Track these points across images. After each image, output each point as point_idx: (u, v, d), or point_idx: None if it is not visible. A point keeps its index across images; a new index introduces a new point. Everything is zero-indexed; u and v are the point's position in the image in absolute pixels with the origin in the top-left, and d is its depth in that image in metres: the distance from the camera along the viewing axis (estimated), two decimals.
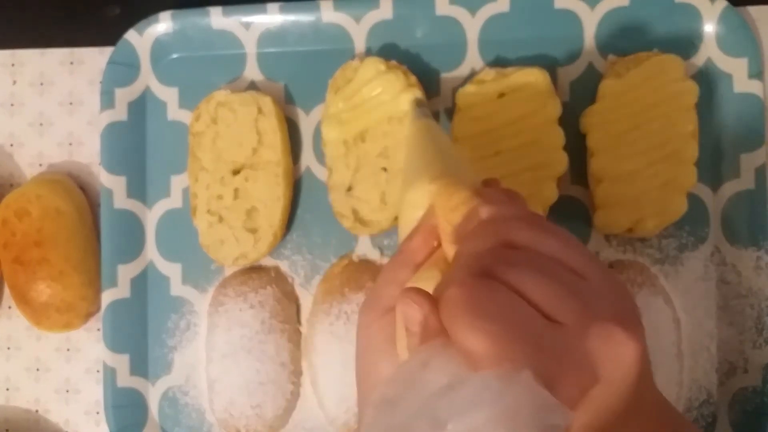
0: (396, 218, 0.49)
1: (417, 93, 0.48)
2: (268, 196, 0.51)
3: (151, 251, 0.55)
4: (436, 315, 0.27)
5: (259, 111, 0.51)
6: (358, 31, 0.53)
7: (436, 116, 0.52)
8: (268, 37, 0.54)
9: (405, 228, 0.37)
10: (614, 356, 0.27)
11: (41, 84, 0.57)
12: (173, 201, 0.54)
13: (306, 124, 0.54)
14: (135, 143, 0.55)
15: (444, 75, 0.52)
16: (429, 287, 0.30)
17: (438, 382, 0.26)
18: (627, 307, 0.29)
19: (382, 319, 0.34)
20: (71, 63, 0.57)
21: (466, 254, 0.30)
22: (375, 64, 0.49)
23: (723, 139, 0.50)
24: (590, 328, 0.27)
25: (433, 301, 0.28)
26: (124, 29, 0.54)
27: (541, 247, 0.29)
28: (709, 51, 0.50)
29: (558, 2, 0.51)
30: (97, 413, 0.56)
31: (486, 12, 0.51)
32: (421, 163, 0.38)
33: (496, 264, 0.28)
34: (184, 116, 0.54)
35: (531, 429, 0.24)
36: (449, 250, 0.33)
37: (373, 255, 0.52)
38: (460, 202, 0.33)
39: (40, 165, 0.57)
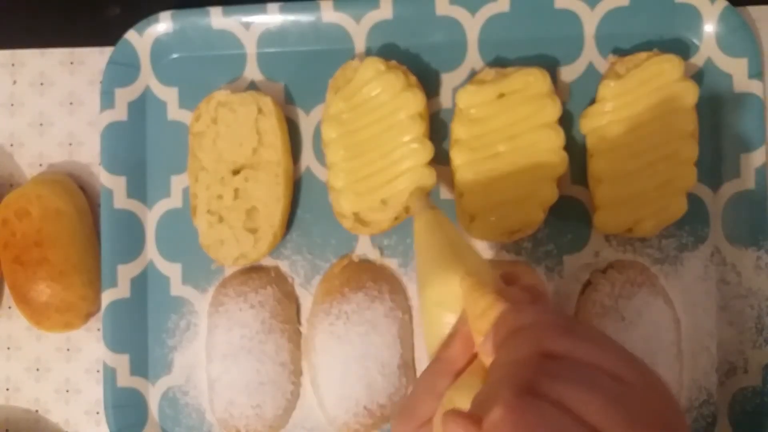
0: (396, 218, 0.50)
1: (418, 183, 0.47)
2: (268, 196, 0.51)
3: (151, 251, 0.55)
4: None
5: (259, 111, 0.51)
6: (358, 31, 0.53)
7: (436, 116, 0.52)
8: (268, 37, 0.54)
9: (430, 327, 0.37)
10: None
11: (41, 84, 0.57)
12: (173, 201, 0.54)
13: (306, 124, 0.54)
14: (135, 143, 0.55)
15: (444, 75, 0.52)
16: (469, 397, 0.30)
17: None
18: (672, 413, 0.29)
19: (418, 431, 0.34)
20: (71, 63, 0.57)
21: (505, 366, 0.29)
22: (375, 64, 0.49)
23: (723, 139, 0.50)
24: None
25: (478, 422, 0.27)
26: (124, 29, 0.54)
27: (579, 354, 0.29)
28: (709, 51, 0.50)
29: (558, 2, 0.51)
30: (98, 413, 0.56)
31: (486, 12, 0.51)
32: (438, 259, 0.38)
33: (537, 377, 0.27)
34: (184, 116, 0.54)
35: None
36: (484, 358, 0.32)
37: (373, 255, 0.52)
38: (487, 307, 0.33)
39: (41, 165, 0.57)
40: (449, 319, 0.36)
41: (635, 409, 0.27)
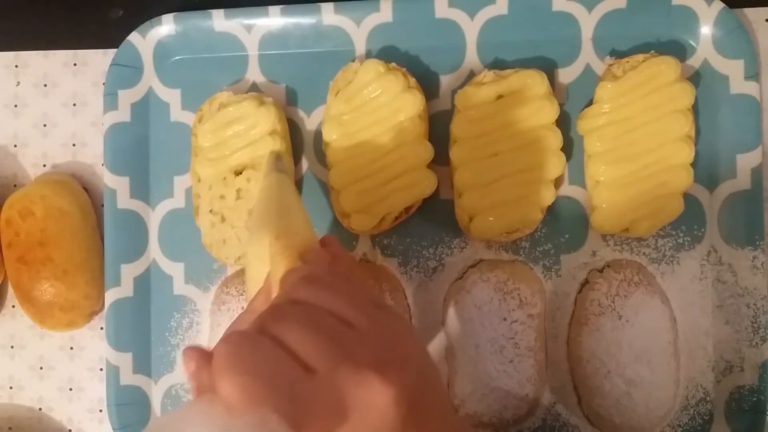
0: (396, 218, 0.50)
1: (278, 145, 0.50)
2: None
3: (154, 251, 0.55)
4: (207, 370, 0.30)
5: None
6: (359, 34, 0.53)
7: (435, 118, 0.52)
8: (270, 39, 0.54)
9: (250, 278, 0.41)
10: (366, 400, 0.30)
11: (45, 85, 0.58)
12: (176, 201, 0.55)
13: (307, 125, 0.54)
14: (138, 144, 0.55)
15: (443, 77, 0.53)
16: None
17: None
18: (391, 353, 0.32)
19: None
20: (75, 65, 0.58)
21: (262, 312, 0.33)
22: (375, 66, 0.50)
23: (719, 140, 0.50)
24: (343, 374, 0.30)
25: (209, 357, 0.30)
26: (127, 31, 0.55)
27: (316, 300, 0.33)
28: (706, 53, 0.51)
29: (556, 5, 0.51)
30: (100, 411, 0.56)
31: (485, 15, 0.52)
32: (265, 218, 0.41)
33: (268, 320, 0.31)
34: (187, 117, 0.55)
35: None
36: None
37: (373, 254, 0.53)
38: (282, 267, 0.37)
39: (44, 165, 0.58)
40: (264, 271, 0.39)
41: (351, 348, 0.31)
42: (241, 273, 0.53)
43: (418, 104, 0.49)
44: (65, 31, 0.58)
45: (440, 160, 0.51)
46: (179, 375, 0.54)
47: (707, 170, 0.50)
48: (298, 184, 0.54)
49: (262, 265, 0.39)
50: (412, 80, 0.51)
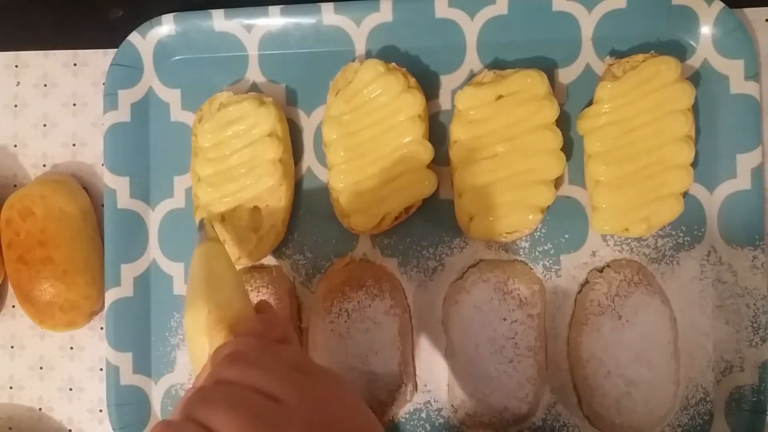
0: (396, 218, 0.50)
1: (203, 214, 0.50)
2: (270, 196, 0.51)
3: (154, 251, 0.55)
4: None
5: None
6: (359, 34, 0.53)
7: (435, 118, 0.52)
8: (270, 39, 0.54)
9: (192, 351, 0.41)
10: None
11: (45, 85, 0.58)
12: (176, 201, 0.55)
13: (307, 125, 0.54)
14: (138, 144, 0.55)
15: (443, 77, 0.53)
16: None
17: None
18: (321, 423, 0.32)
19: None
20: (74, 65, 0.58)
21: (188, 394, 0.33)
22: (375, 66, 0.49)
23: (719, 140, 0.50)
24: None
25: None
26: (127, 31, 0.55)
27: (241, 379, 0.33)
28: (706, 53, 0.51)
29: (556, 5, 0.51)
30: (100, 411, 0.56)
31: (485, 15, 0.52)
32: (197, 290, 0.42)
33: (194, 404, 0.31)
34: (187, 117, 0.55)
35: None
36: None
37: (373, 254, 0.53)
38: (217, 341, 0.38)
39: (44, 165, 0.58)
40: (205, 344, 0.40)
41: (280, 422, 0.31)
42: (241, 273, 0.53)
43: (418, 104, 0.49)
44: (65, 31, 0.58)
45: (440, 160, 0.51)
46: (179, 375, 0.54)
47: (707, 170, 0.50)
48: (298, 183, 0.54)
49: (202, 337, 0.40)
50: (412, 80, 0.51)
